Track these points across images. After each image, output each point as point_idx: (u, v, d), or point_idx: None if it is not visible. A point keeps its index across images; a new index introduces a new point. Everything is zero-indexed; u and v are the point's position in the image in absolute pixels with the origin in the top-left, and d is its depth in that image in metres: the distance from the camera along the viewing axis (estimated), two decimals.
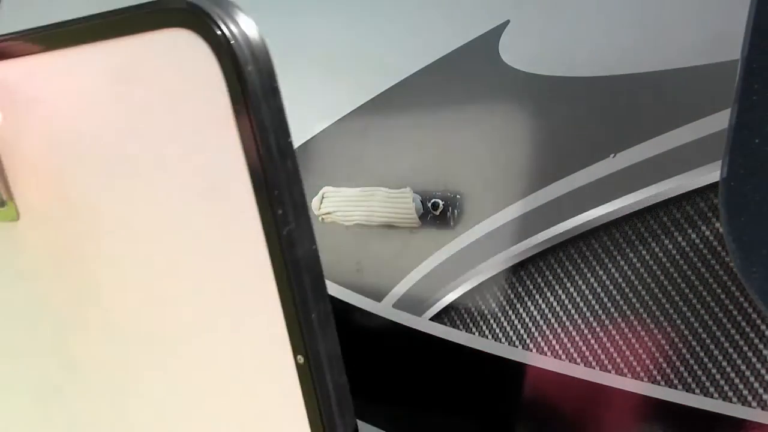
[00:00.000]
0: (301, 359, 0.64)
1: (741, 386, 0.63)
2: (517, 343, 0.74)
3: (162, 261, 0.73)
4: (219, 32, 0.67)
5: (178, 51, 0.69)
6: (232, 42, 0.67)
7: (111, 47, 0.74)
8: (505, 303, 0.75)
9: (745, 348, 0.63)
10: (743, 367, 0.63)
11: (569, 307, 0.71)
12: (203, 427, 0.72)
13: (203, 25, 0.68)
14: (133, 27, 0.72)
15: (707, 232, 0.65)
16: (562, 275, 0.72)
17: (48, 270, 0.85)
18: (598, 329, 0.70)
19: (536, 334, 0.73)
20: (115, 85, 0.76)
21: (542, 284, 0.73)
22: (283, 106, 0.64)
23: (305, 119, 0.88)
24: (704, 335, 0.65)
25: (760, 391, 0.62)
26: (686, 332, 0.66)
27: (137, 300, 0.75)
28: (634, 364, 0.68)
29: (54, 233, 0.84)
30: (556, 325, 0.72)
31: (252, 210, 0.63)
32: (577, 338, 0.71)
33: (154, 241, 0.73)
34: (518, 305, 0.74)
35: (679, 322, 0.66)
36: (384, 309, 0.82)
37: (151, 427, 0.76)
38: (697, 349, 0.65)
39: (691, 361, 0.65)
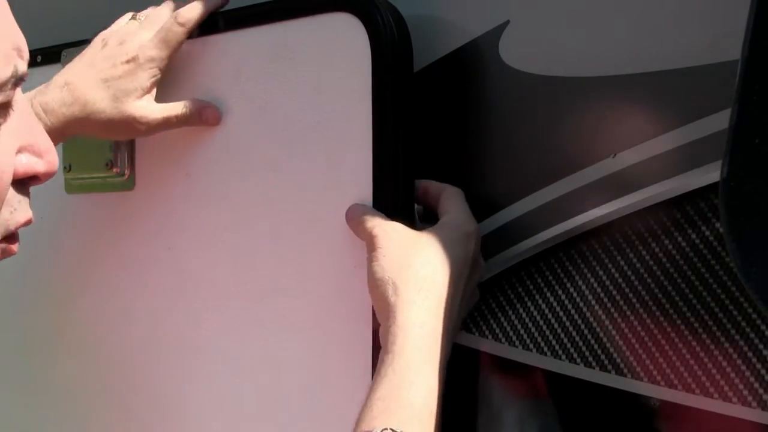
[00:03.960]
0: None
1: (741, 386, 0.63)
2: (517, 343, 0.74)
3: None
4: (378, 18, 0.71)
5: (337, 32, 0.76)
6: (386, 27, 0.72)
7: (277, 29, 0.81)
8: (505, 303, 0.75)
9: (745, 348, 0.63)
10: (743, 367, 0.63)
11: (569, 307, 0.71)
12: None
13: (367, 10, 0.72)
14: (299, 10, 0.79)
15: (707, 232, 0.65)
16: (562, 275, 0.72)
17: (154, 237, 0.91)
18: (598, 329, 0.70)
19: (536, 334, 0.73)
20: (272, 63, 0.79)
21: (542, 284, 0.73)
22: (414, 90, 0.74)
23: None
24: (704, 335, 0.65)
25: (760, 391, 0.62)
26: (686, 332, 0.65)
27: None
28: (634, 364, 0.68)
29: (163, 203, 0.90)
30: (556, 325, 0.72)
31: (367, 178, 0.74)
32: (577, 338, 0.71)
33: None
34: (518, 305, 0.74)
35: (679, 322, 0.66)
36: None
37: None
38: (697, 349, 0.65)
39: (691, 361, 0.65)
